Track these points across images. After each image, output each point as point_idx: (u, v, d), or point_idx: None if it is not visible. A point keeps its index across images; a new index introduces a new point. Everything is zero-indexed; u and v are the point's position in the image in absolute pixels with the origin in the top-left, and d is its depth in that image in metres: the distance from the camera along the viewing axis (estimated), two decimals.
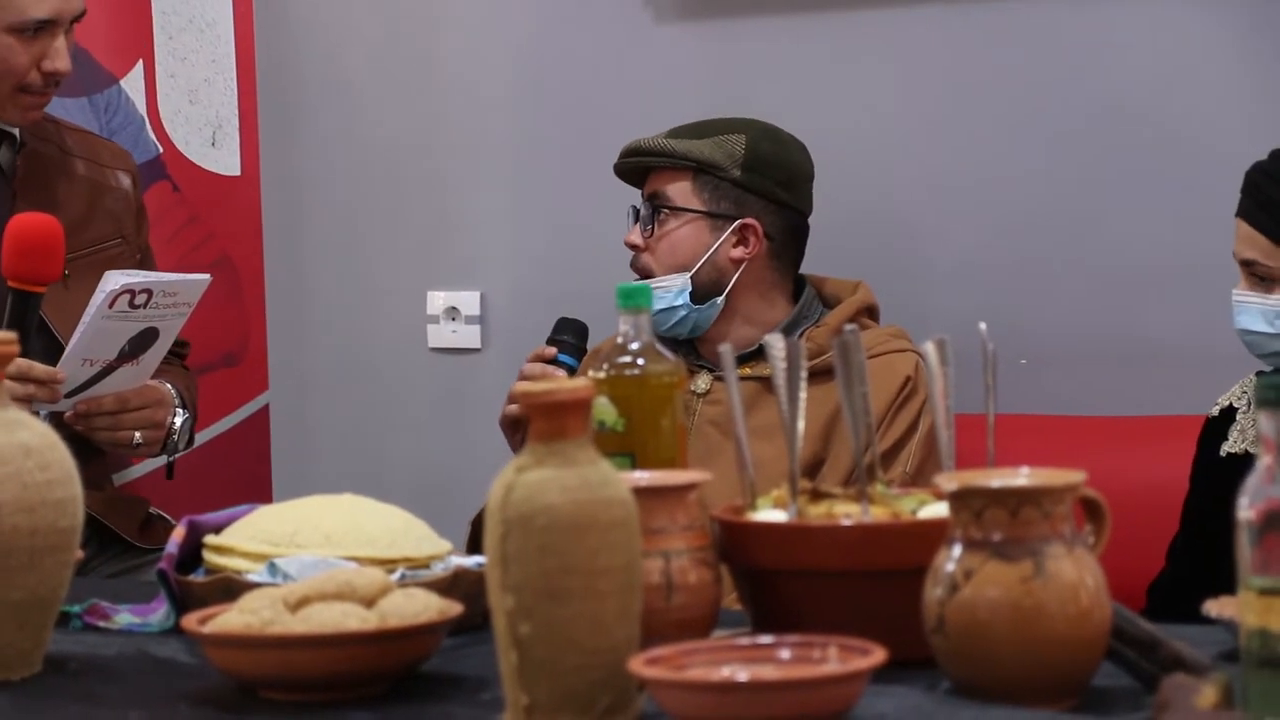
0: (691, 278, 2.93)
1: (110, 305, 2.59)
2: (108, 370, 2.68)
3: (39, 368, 2.62)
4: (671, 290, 2.93)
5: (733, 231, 2.94)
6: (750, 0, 3.45)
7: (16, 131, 2.90)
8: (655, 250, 2.96)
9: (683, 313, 2.93)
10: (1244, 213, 2.54)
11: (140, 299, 2.61)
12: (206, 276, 2.74)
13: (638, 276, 2.97)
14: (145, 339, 2.68)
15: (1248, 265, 2.53)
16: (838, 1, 3.39)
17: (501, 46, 3.65)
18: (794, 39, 3.42)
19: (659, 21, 3.53)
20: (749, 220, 2.94)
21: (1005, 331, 3.01)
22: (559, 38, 3.60)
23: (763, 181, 2.94)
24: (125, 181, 3.02)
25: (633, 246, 2.99)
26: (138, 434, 2.78)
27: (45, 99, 2.87)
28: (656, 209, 2.96)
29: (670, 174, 2.97)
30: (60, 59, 2.82)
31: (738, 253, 2.95)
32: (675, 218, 2.96)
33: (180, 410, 2.87)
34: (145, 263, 3.03)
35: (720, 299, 2.94)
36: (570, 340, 2.89)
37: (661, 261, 2.96)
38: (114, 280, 2.60)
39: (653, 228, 2.96)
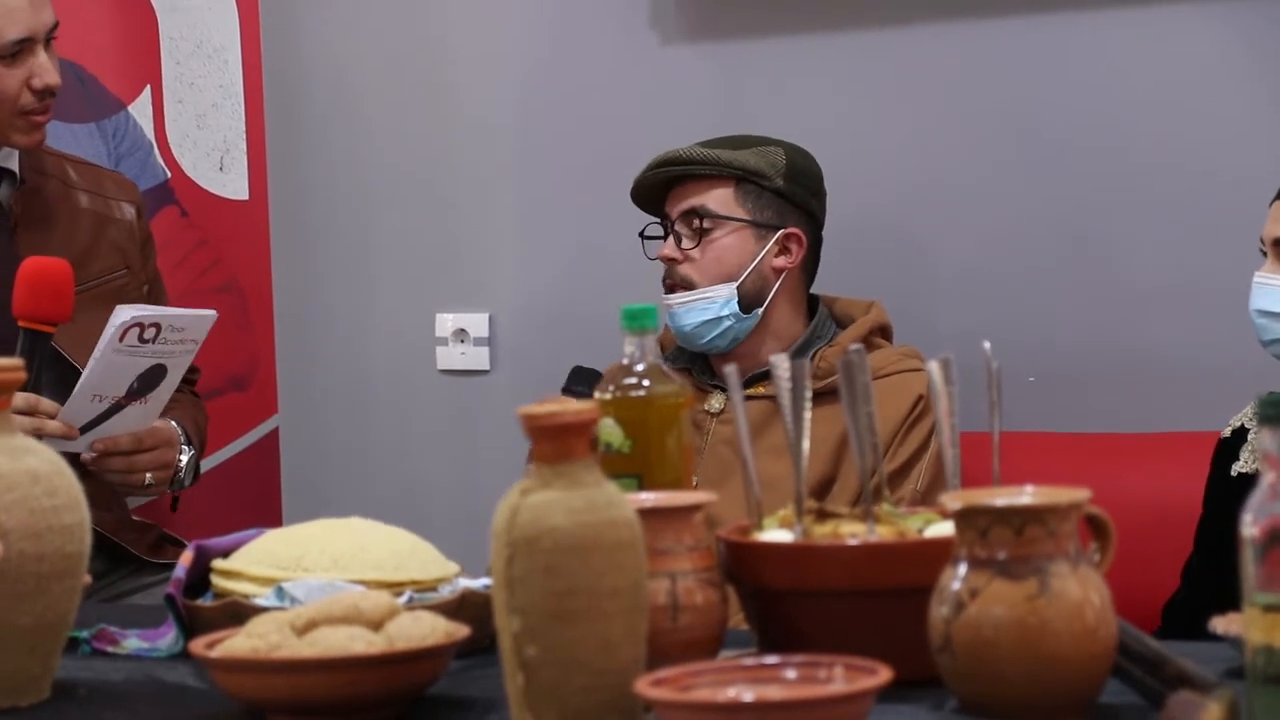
0: (737, 287, 2.93)
1: (120, 339, 2.62)
2: (116, 408, 2.71)
3: (46, 402, 2.67)
4: (717, 301, 2.92)
5: (776, 241, 2.95)
6: (756, 21, 3.45)
7: (16, 169, 2.91)
8: (699, 261, 2.95)
9: (728, 323, 2.93)
10: None
11: (149, 333, 2.64)
12: (212, 313, 2.75)
13: (666, 290, 2.96)
14: (153, 376, 2.70)
15: (1278, 244, 2.55)
16: (843, 21, 3.39)
17: (508, 69, 3.66)
18: (799, 59, 3.43)
19: (665, 43, 3.53)
20: (793, 229, 2.95)
21: (1012, 348, 3.02)
22: (565, 60, 3.61)
23: (802, 192, 2.96)
24: (129, 213, 3.04)
25: (668, 259, 2.97)
26: (149, 475, 2.81)
27: (45, 117, 2.88)
28: (700, 220, 2.95)
29: (708, 183, 2.96)
30: (48, 73, 2.84)
31: (780, 262, 2.95)
32: (720, 227, 2.95)
33: (186, 448, 2.89)
34: (154, 290, 3.05)
35: (761, 309, 2.95)
36: (585, 392, 2.89)
37: (706, 272, 2.95)
38: (123, 314, 2.64)
39: (698, 239, 2.95)
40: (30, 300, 2.64)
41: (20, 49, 2.82)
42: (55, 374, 2.71)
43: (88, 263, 2.91)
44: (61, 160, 3.03)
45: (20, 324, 2.64)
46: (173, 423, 2.88)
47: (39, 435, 2.61)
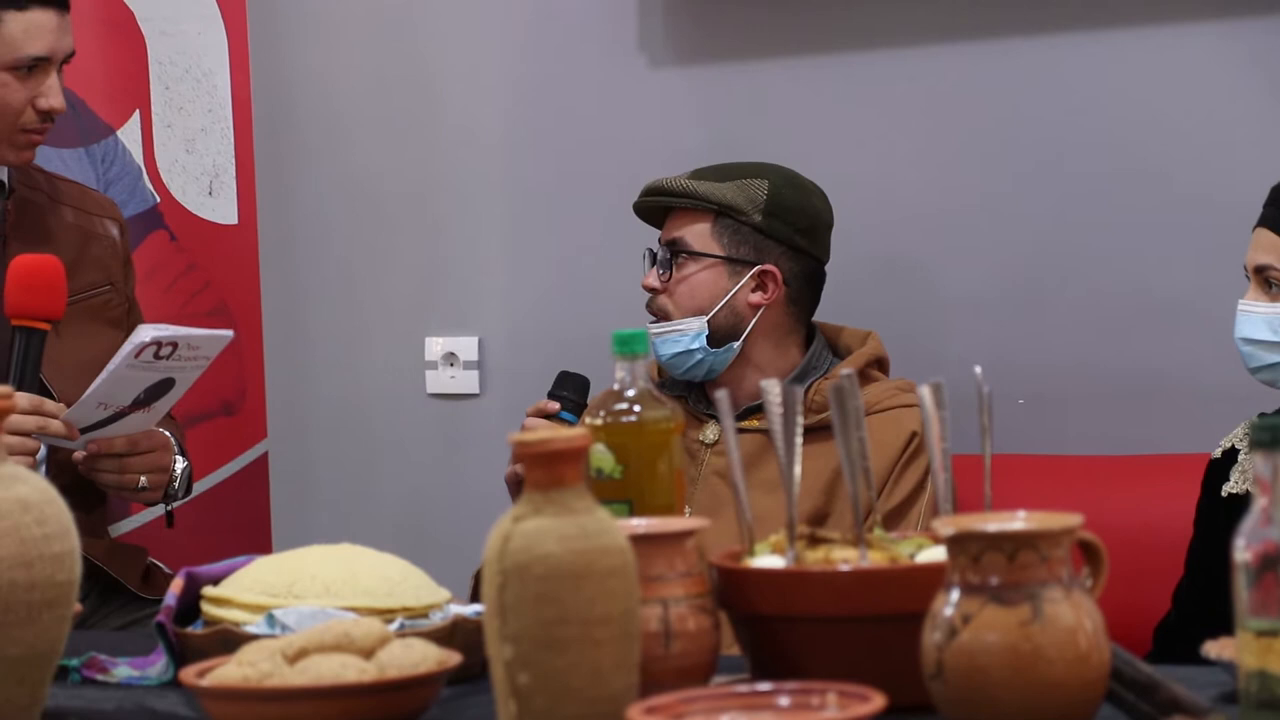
0: (709, 321, 2.93)
1: (136, 355, 2.62)
2: (119, 415, 2.71)
3: (50, 403, 2.67)
4: (688, 333, 2.93)
5: (751, 277, 2.94)
6: (744, 45, 3.46)
7: (5, 179, 2.92)
8: (674, 293, 2.96)
9: (699, 356, 2.93)
10: (1267, 221, 2.56)
11: (165, 350, 2.64)
12: (229, 333, 2.76)
13: (652, 318, 2.97)
14: (161, 387, 2.71)
15: (1260, 271, 2.56)
16: (831, 45, 3.39)
17: (497, 92, 3.66)
18: (788, 82, 3.43)
19: (653, 66, 3.54)
20: (768, 266, 2.94)
21: (1003, 371, 3.02)
22: (554, 83, 3.61)
23: (783, 228, 2.94)
24: (114, 230, 3.05)
25: (650, 289, 2.98)
26: (143, 478, 2.80)
27: (40, 138, 2.90)
28: (675, 253, 2.96)
29: (690, 216, 2.96)
30: (55, 96, 2.87)
31: (756, 298, 2.94)
32: (694, 262, 2.95)
33: (180, 457, 2.88)
34: (133, 313, 3.04)
35: (737, 344, 2.94)
36: (570, 396, 2.90)
37: (680, 305, 2.95)
38: (145, 333, 2.64)
39: (670, 271, 2.96)
40: (23, 297, 2.65)
41: (35, 66, 2.85)
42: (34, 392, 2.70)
43: (72, 277, 2.89)
44: (47, 176, 3.04)
45: (14, 323, 2.65)
46: (166, 431, 2.87)
47: (41, 434, 2.62)
